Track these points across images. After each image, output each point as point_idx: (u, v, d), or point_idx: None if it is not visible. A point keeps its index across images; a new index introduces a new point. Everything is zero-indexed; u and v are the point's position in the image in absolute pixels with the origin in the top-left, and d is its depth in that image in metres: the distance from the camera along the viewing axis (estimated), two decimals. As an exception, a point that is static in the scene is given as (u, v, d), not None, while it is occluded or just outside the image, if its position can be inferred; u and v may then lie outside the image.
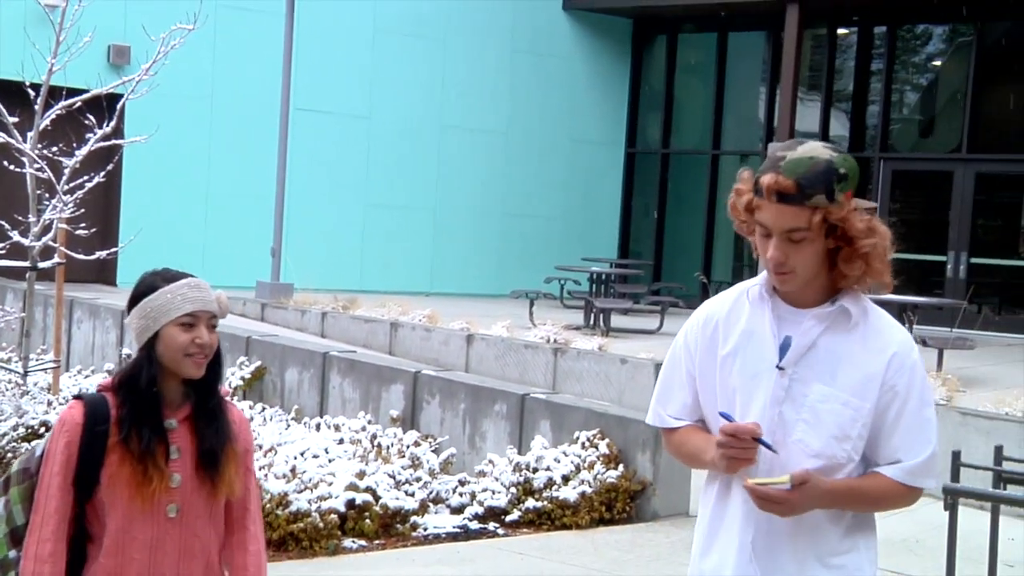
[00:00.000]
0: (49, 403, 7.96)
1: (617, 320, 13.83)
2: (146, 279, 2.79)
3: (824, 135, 17.90)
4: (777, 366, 2.50)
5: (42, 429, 7.58)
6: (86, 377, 9.47)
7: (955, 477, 4.43)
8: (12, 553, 2.68)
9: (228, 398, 2.91)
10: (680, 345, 2.66)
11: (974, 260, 16.13)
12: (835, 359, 2.49)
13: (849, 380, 2.48)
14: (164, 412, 2.74)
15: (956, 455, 4.39)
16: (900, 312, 11.00)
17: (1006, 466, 4.58)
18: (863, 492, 2.52)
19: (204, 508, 2.76)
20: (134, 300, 2.77)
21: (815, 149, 2.43)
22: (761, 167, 2.47)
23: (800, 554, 2.54)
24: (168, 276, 2.77)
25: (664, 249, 19.36)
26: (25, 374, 8.24)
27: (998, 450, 4.54)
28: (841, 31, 18.07)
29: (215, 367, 2.79)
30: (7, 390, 8.08)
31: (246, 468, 2.86)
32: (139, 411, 2.69)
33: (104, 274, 15.07)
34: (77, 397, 2.75)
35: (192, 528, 2.74)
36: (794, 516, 2.46)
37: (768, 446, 2.43)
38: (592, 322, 13.54)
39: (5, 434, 7.00)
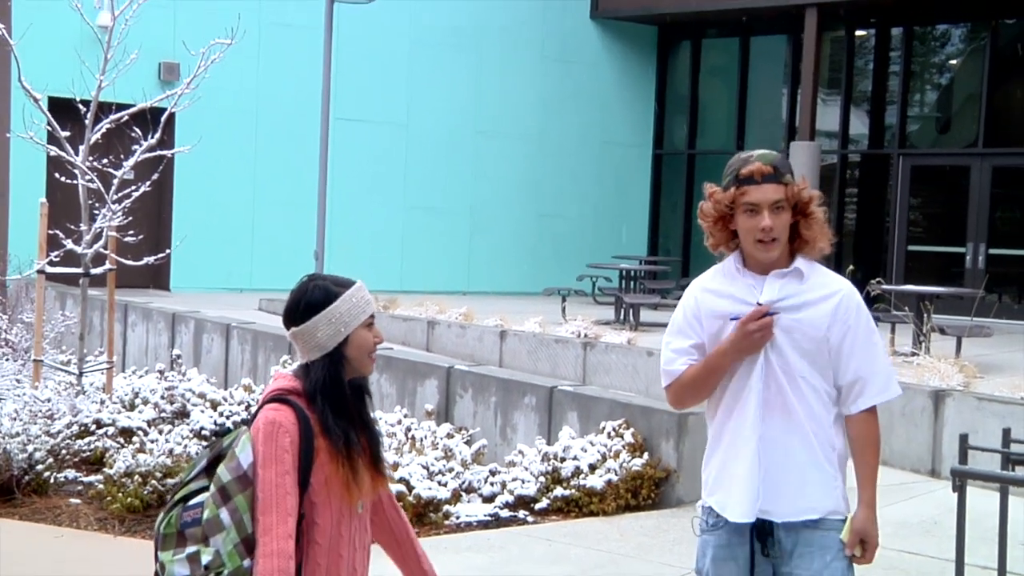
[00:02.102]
0: (102, 402, 8.02)
1: (646, 315, 13.75)
2: (318, 287, 2.72)
3: (844, 134, 17.73)
4: (758, 301, 3.11)
5: (94, 427, 7.64)
6: (139, 377, 9.53)
7: (963, 459, 4.35)
8: (246, 563, 2.55)
9: None
10: (680, 319, 3.24)
11: (992, 251, 15.89)
12: (797, 303, 3.12)
13: (809, 316, 3.10)
14: None
15: (964, 438, 4.30)
16: (919, 302, 10.84)
17: (1015, 448, 4.49)
18: (874, 462, 3.12)
19: (371, 503, 2.81)
20: (311, 310, 2.70)
21: (765, 150, 3.19)
22: (731, 169, 3.16)
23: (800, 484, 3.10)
24: (340, 282, 2.74)
25: (691, 246, 19.23)
26: (80, 375, 8.31)
27: (1006, 432, 4.45)
28: (859, 33, 17.87)
29: None
30: (63, 390, 8.15)
31: None
32: (343, 414, 2.66)
33: (158, 279, 15.19)
34: (279, 401, 2.65)
35: (365, 523, 2.77)
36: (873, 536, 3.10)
37: (775, 312, 3.08)
38: (622, 317, 13.47)
39: (60, 432, 7.05)
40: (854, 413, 3.12)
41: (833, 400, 3.13)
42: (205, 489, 2.63)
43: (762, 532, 3.08)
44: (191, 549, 2.58)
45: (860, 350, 3.10)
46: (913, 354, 10.14)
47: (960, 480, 4.02)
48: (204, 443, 7.40)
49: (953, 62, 17.54)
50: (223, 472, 2.59)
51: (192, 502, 2.62)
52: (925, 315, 10.56)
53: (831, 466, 3.09)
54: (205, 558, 2.56)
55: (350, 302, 2.70)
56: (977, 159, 16.12)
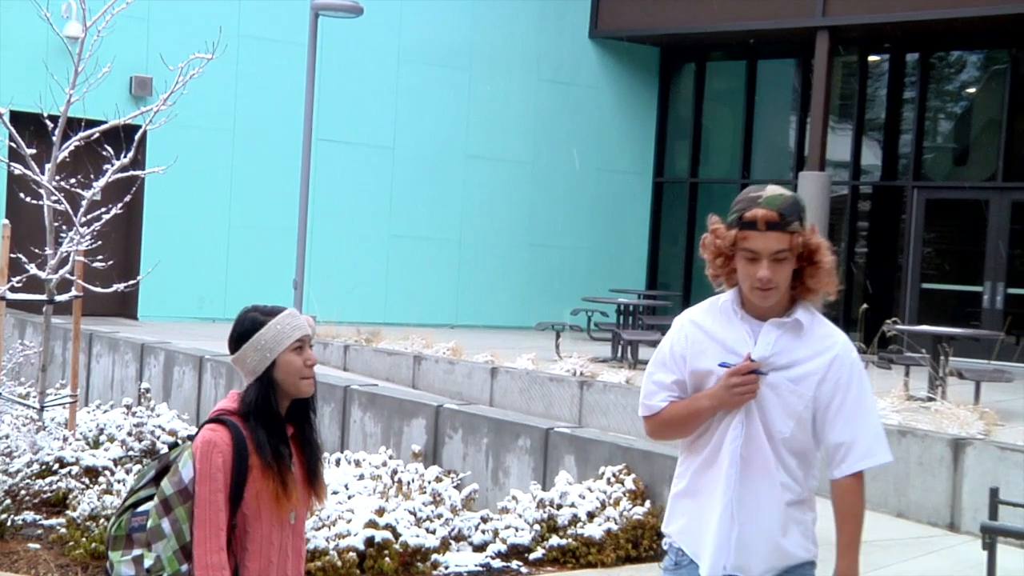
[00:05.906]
0: (65, 439, 7.93)
1: (645, 352, 13.73)
2: (247, 317, 3.11)
3: (856, 164, 17.81)
4: (750, 355, 3.11)
5: (56, 466, 7.55)
6: (104, 412, 9.43)
7: (993, 515, 4.31)
8: (184, 567, 2.97)
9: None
10: (666, 353, 3.25)
11: (1011, 290, 15.93)
12: (790, 359, 3.12)
13: (799, 374, 3.11)
14: None
15: (994, 492, 4.27)
16: (935, 343, 10.84)
17: (1047, 503, 4.45)
18: (853, 532, 3.12)
19: (305, 514, 3.23)
20: (242, 338, 3.09)
21: (778, 189, 3.12)
22: (737, 208, 3.11)
23: (769, 520, 3.14)
24: (267, 311, 3.11)
25: (692, 280, 19.25)
26: (41, 409, 8.22)
27: (1038, 487, 4.42)
28: (872, 58, 18.00)
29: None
30: (23, 426, 8.06)
31: None
32: (274, 433, 3.04)
33: (125, 307, 15.11)
34: (216, 422, 3.03)
35: (300, 532, 3.18)
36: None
37: (763, 373, 3.08)
38: (619, 354, 13.44)
39: (19, 471, 6.96)
40: (838, 478, 3.14)
41: (817, 462, 3.18)
42: (152, 497, 3.06)
43: None
44: (136, 552, 3.02)
45: (848, 411, 3.11)
46: (929, 399, 10.13)
47: (990, 537, 3.99)
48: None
49: (971, 90, 17.66)
50: (166, 485, 3.02)
51: (140, 509, 3.06)
52: (942, 357, 10.56)
53: (804, 521, 3.17)
54: (147, 562, 2.99)
55: (275, 329, 3.06)
56: (996, 193, 16.20)
